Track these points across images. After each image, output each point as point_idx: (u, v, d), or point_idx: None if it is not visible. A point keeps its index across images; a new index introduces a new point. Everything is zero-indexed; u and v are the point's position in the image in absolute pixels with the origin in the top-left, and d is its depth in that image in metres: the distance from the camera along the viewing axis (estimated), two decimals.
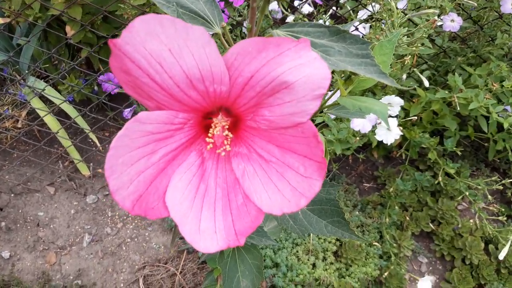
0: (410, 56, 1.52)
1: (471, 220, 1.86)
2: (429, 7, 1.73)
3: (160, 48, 0.36)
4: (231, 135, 0.44)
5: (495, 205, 1.76)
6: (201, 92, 0.40)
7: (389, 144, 1.41)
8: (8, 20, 1.79)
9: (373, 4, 1.81)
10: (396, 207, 1.89)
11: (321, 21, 2.42)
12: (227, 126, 0.44)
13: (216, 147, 0.44)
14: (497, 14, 1.78)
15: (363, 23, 1.97)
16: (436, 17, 1.02)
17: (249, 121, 0.43)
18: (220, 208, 0.41)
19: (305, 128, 0.39)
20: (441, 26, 1.72)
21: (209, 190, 0.43)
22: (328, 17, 2.48)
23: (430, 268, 1.86)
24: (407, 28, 1.08)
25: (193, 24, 0.51)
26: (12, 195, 1.90)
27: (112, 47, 0.36)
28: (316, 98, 0.37)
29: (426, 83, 1.41)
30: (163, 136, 0.41)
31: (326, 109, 0.62)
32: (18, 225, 1.80)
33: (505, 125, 1.54)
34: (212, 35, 0.57)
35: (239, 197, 0.42)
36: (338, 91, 0.56)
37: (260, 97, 0.40)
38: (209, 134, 0.43)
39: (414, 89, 1.85)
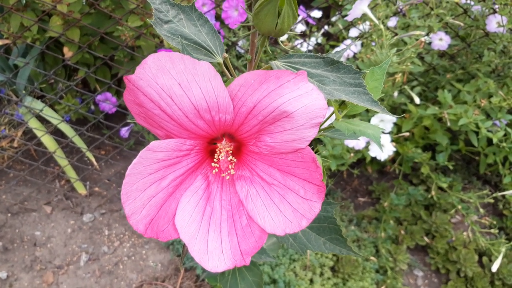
0: (400, 74, 1.58)
1: (465, 233, 1.89)
2: (418, 27, 1.79)
3: (170, 83, 0.39)
4: (235, 160, 0.47)
5: (487, 218, 1.80)
6: (208, 121, 0.43)
7: (382, 160, 1.44)
8: (7, 41, 1.82)
9: (364, 23, 1.87)
10: (391, 222, 1.92)
11: (313, 38, 2.48)
12: (231, 151, 0.47)
13: (221, 171, 0.47)
14: (483, 32, 1.84)
15: (354, 41, 2.03)
16: (423, 39, 1.07)
17: (252, 146, 0.46)
18: (226, 229, 0.44)
19: (304, 153, 0.42)
20: (430, 44, 1.78)
21: (215, 212, 0.45)
22: (320, 35, 2.54)
23: (426, 281, 1.88)
24: (396, 48, 1.12)
25: (197, 55, 0.54)
26: (9, 214, 1.90)
27: (127, 83, 0.39)
28: (314, 126, 0.41)
29: (417, 100, 1.45)
30: (172, 162, 0.44)
31: (321, 131, 0.65)
32: (15, 244, 1.80)
33: (494, 140, 1.59)
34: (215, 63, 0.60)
35: (243, 219, 0.44)
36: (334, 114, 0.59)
37: (262, 125, 0.43)
38: (215, 159, 0.46)
39: (406, 104, 1.89)
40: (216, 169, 0.46)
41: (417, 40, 1.51)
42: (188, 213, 0.44)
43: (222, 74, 0.63)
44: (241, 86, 0.42)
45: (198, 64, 0.40)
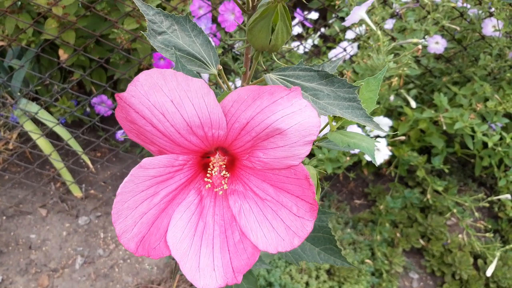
0: (397, 78, 1.58)
1: (460, 235, 1.89)
2: (414, 30, 1.79)
3: (163, 100, 0.39)
4: (228, 175, 0.47)
5: (482, 221, 1.80)
6: (201, 136, 0.43)
7: (378, 164, 1.44)
8: (2, 44, 1.81)
9: (361, 26, 1.87)
10: (387, 224, 1.92)
11: (310, 40, 2.48)
12: (224, 166, 0.47)
13: (214, 186, 0.47)
14: (479, 35, 1.85)
15: (350, 43, 2.03)
16: (420, 46, 1.07)
17: (245, 160, 0.46)
18: (218, 245, 0.44)
19: (297, 170, 0.42)
20: (426, 47, 1.78)
21: (208, 228, 0.45)
22: (317, 37, 2.54)
23: (421, 284, 1.88)
24: (393, 54, 1.12)
25: (191, 67, 0.54)
26: (4, 217, 1.89)
27: (118, 100, 0.39)
28: (307, 144, 0.40)
29: (413, 104, 1.45)
30: (164, 178, 0.43)
31: (316, 142, 0.65)
32: (10, 248, 1.79)
33: (490, 144, 1.59)
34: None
35: (236, 234, 0.44)
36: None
37: (255, 141, 0.43)
38: (208, 175, 0.46)
39: (402, 107, 1.90)
40: (209, 185, 0.46)
41: (415, 44, 1.51)
42: (180, 229, 0.43)
43: (217, 86, 0.63)
44: (235, 101, 0.42)
45: (191, 80, 0.40)
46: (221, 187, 0.46)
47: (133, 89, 0.38)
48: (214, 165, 0.47)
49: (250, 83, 0.56)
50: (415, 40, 0.94)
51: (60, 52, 1.82)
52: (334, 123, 0.61)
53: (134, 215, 0.40)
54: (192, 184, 0.47)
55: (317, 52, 2.42)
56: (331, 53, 2.06)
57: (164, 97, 0.39)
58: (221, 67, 0.55)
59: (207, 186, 0.46)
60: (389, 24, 1.91)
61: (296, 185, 0.42)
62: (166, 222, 0.43)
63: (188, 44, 0.57)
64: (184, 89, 0.39)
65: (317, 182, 0.56)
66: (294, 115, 0.40)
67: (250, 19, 0.44)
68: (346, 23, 1.12)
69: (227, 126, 0.43)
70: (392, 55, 1.08)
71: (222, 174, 0.46)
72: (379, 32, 1.09)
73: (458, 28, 1.47)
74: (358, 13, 1.11)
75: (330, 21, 2.48)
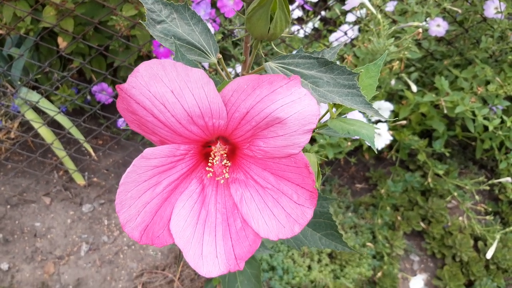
0: (398, 61, 1.57)
1: (460, 218, 1.91)
2: (415, 13, 1.78)
3: (163, 90, 0.39)
4: (229, 164, 0.47)
5: (482, 204, 1.81)
6: (201, 126, 0.43)
7: (379, 149, 1.45)
8: (1, 32, 1.80)
9: (362, 9, 1.85)
10: (388, 208, 1.94)
11: (311, 24, 2.46)
12: (225, 155, 0.47)
13: (215, 175, 0.47)
14: (481, 17, 1.83)
15: (351, 26, 2.01)
16: (420, 29, 1.06)
17: (246, 149, 0.46)
18: (221, 233, 0.44)
19: (297, 159, 0.42)
20: (427, 30, 1.76)
21: (210, 216, 0.46)
22: (317, 20, 2.52)
23: (422, 266, 1.91)
24: (393, 38, 1.12)
25: (190, 56, 0.54)
26: (8, 206, 1.91)
27: (119, 91, 0.39)
28: (307, 132, 0.41)
29: (414, 89, 1.45)
30: (167, 167, 0.44)
31: (317, 129, 0.65)
32: (16, 236, 1.82)
33: (490, 128, 1.59)
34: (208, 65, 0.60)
35: (237, 222, 0.45)
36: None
37: (256, 130, 0.43)
38: (209, 164, 0.47)
39: (403, 91, 1.89)
40: (211, 174, 0.47)
41: (416, 29, 1.50)
42: (183, 218, 0.44)
43: (217, 72, 0.63)
44: (234, 91, 0.42)
45: (190, 71, 0.40)
46: (223, 176, 0.47)
47: (134, 80, 0.39)
48: (215, 154, 0.47)
49: (250, 71, 0.56)
50: (415, 24, 0.94)
51: (59, 40, 1.81)
52: (334, 110, 0.61)
53: (138, 205, 0.41)
54: (194, 173, 0.48)
55: (317, 36, 2.40)
56: (332, 37, 2.05)
57: (164, 88, 0.39)
58: (221, 56, 0.55)
59: (208, 175, 0.47)
60: (390, 6, 1.89)
61: (296, 173, 0.43)
62: (169, 211, 0.44)
63: (188, 32, 0.57)
64: (184, 79, 0.40)
65: (317, 169, 0.56)
66: (293, 104, 0.40)
67: (249, 8, 0.44)
68: (346, 7, 1.11)
69: (227, 115, 0.43)
70: (393, 39, 1.07)
71: (223, 163, 0.46)
72: (379, 16, 1.08)
73: (459, 11, 1.46)
74: None
75: (330, 3, 2.45)
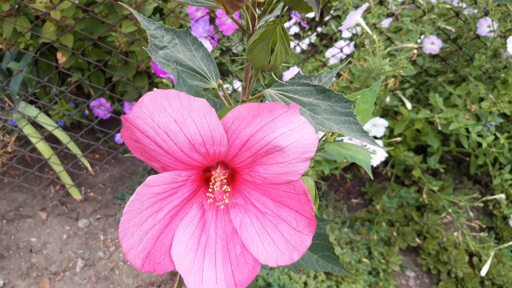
0: (393, 79, 1.60)
1: (455, 233, 1.92)
2: (410, 30, 1.81)
3: (166, 120, 0.41)
4: (229, 189, 0.48)
5: (476, 221, 1.83)
6: (203, 153, 0.44)
7: (374, 166, 1.47)
8: (0, 47, 1.81)
9: (357, 27, 1.88)
10: (383, 224, 1.95)
11: (307, 39, 2.49)
12: (225, 180, 0.49)
13: (215, 200, 0.48)
14: (474, 34, 1.86)
15: (348, 42, 2.04)
16: (415, 51, 1.08)
17: (246, 175, 0.47)
18: (221, 259, 0.45)
19: (296, 186, 0.43)
20: (421, 48, 1.80)
21: (210, 241, 0.47)
22: (314, 36, 2.56)
23: (418, 281, 1.91)
24: (388, 58, 1.14)
25: (192, 81, 0.56)
26: (4, 221, 1.90)
27: (124, 121, 0.40)
28: (305, 160, 0.42)
29: (409, 106, 1.47)
30: (168, 194, 0.45)
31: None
32: (11, 251, 1.81)
33: (484, 145, 1.62)
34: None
35: (237, 247, 0.46)
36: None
37: (255, 157, 0.44)
38: (209, 189, 0.48)
39: (398, 107, 1.92)
40: (211, 199, 0.48)
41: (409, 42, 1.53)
42: (183, 244, 0.45)
43: (216, 102, 0.64)
44: (235, 119, 0.43)
45: (193, 100, 0.41)
46: (223, 201, 0.48)
47: (138, 110, 0.40)
48: (216, 179, 0.48)
49: (250, 96, 0.58)
50: (410, 45, 0.96)
51: (59, 55, 1.83)
52: (331, 134, 0.63)
53: (140, 232, 0.42)
54: (195, 198, 0.49)
55: (314, 51, 2.43)
56: (328, 52, 2.08)
57: (168, 117, 0.41)
58: (221, 81, 0.56)
59: (209, 200, 0.48)
60: (385, 23, 1.92)
61: (295, 199, 0.44)
62: (170, 237, 0.45)
63: (189, 58, 0.59)
64: (186, 109, 0.41)
65: (315, 193, 0.57)
66: (292, 133, 0.42)
67: (250, 40, 0.45)
68: (342, 28, 1.14)
69: (228, 142, 0.44)
70: (388, 59, 1.09)
71: (223, 189, 0.47)
72: (374, 36, 1.10)
73: (453, 30, 1.49)
74: (354, 17, 1.13)
75: (327, 18, 2.49)
